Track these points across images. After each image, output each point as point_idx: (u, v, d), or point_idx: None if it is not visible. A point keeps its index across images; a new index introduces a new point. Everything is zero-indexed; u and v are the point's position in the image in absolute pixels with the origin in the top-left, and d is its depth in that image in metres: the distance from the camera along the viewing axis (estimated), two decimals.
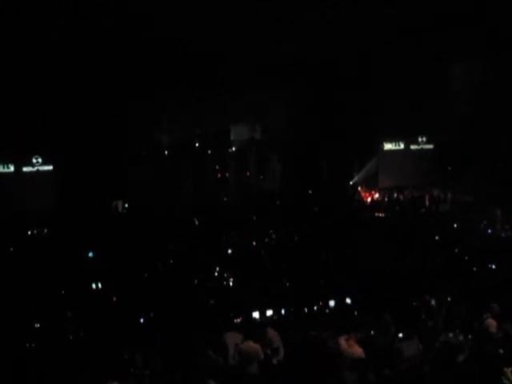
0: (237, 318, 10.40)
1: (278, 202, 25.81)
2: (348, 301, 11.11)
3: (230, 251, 16.73)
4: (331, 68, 26.26)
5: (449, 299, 11.02)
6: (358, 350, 8.35)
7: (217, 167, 29.09)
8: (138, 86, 24.98)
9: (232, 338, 9.18)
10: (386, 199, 27.16)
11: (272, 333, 9.26)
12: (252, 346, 8.81)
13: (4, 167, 25.26)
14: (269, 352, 8.96)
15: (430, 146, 29.45)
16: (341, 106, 26.58)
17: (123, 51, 23.75)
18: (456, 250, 15.60)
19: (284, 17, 21.99)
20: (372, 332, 9.56)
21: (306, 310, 10.97)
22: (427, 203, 25.39)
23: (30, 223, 22.65)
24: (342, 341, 8.47)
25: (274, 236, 18.74)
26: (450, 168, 27.10)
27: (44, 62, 23.14)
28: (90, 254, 16.56)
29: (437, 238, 17.43)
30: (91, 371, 8.19)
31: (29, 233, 22.03)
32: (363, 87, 26.38)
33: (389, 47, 25.24)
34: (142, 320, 10.98)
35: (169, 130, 28.49)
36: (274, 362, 9.01)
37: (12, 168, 25.45)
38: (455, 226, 19.87)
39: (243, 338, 9.02)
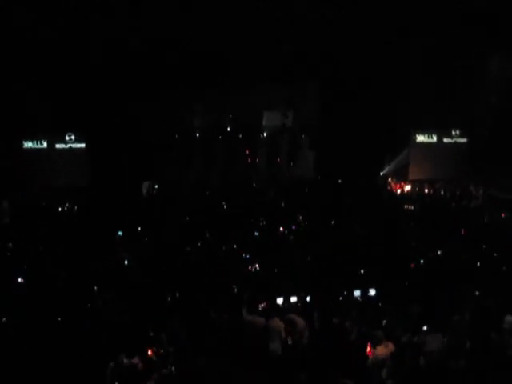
0: (261, 303, 10.41)
1: (307, 190, 25.70)
2: (372, 292, 11.03)
3: (256, 236, 16.74)
4: (365, 58, 26.01)
5: (477, 293, 10.90)
6: (391, 347, 8.39)
7: (247, 152, 29.08)
8: (173, 71, 25.13)
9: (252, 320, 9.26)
10: (417, 191, 26.86)
11: (300, 321, 9.31)
12: (277, 322, 8.92)
13: (37, 143, 25.57)
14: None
15: (464, 140, 29.01)
16: (374, 96, 26.30)
17: (160, 40, 24.03)
18: (484, 246, 15.38)
19: (312, 13, 22.06)
20: (395, 324, 9.51)
21: (330, 298, 10.93)
22: (458, 197, 25.04)
23: (61, 200, 22.91)
24: (380, 347, 8.45)
25: (301, 223, 18.70)
26: (483, 163, 26.68)
27: (82, 43, 23.51)
28: (120, 233, 16.71)
29: (466, 232, 17.23)
30: (117, 346, 8.29)
31: (59, 209, 22.28)
32: (398, 78, 26.11)
33: (424, 39, 24.96)
34: (168, 299, 11.07)
35: (201, 113, 28.53)
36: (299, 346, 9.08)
37: (45, 144, 25.79)
38: (485, 221, 19.61)
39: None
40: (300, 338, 9.20)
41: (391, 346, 8.40)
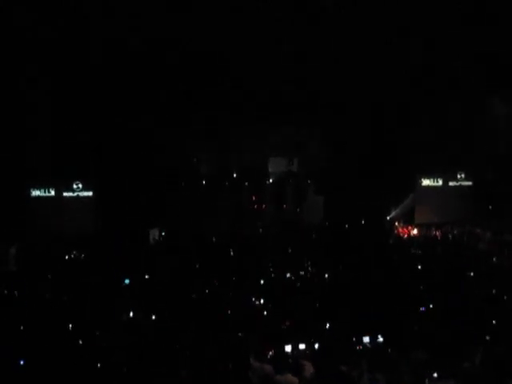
0: (268, 351, 10.32)
1: (314, 236, 25.68)
2: (380, 339, 10.94)
3: (264, 282, 16.67)
4: (369, 105, 26.34)
5: (487, 338, 10.78)
6: None
7: (253, 198, 29.19)
8: (178, 117, 25.44)
9: (262, 370, 9.16)
10: (423, 235, 26.82)
11: (307, 365, 9.22)
12: (290, 378, 8.79)
13: (45, 191, 25.77)
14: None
15: (469, 183, 29.07)
16: (379, 141, 26.53)
17: (166, 81, 24.29)
18: (494, 291, 15.27)
19: (321, 58, 22.39)
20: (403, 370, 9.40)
21: (339, 345, 10.83)
22: (466, 241, 24.97)
23: (69, 247, 22.95)
24: None
25: (309, 269, 18.65)
26: (489, 206, 26.70)
27: (85, 89, 23.82)
28: (126, 281, 16.67)
29: (475, 276, 17.14)
30: None
31: (66, 257, 22.30)
32: (403, 123, 26.38)
33: (427, 84, 25.27)
34: (175, 349, 10.99)
35: (207, 160, 28.80)
36: None
37: (53, 192, 25.96)
38: (494, 265, 19.52)
39: (274, 370, 9.00)
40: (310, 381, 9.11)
41: None
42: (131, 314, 13.11)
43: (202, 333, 11.72)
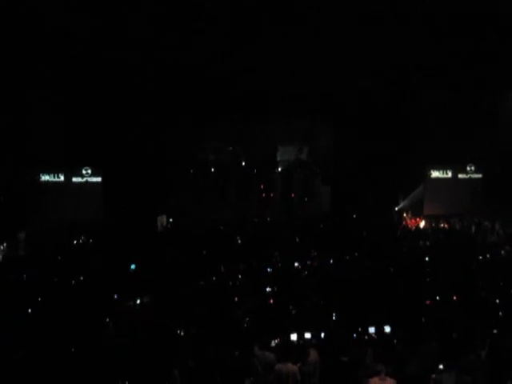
0: (274, 339, 10.33)
1: (321, 225, 25.65)
2: (387, 329, 10.92)
3: (271, 271, 16.67)
4: (381, 95, 26.22)
5: (494, 331, 10.74)
6: (390, 383, 8.22)
7: (262, 187, 29.18)
8: (188, 106, 25.44)
9: (264, 358, 9.17)
10: (432, 226, 26.75)
11: (313, 354, 9.22)
12: (290, 367, 8.77)
13: (54, 176, 25.83)
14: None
15: (479, 176, 28.93)
16: (390, 132, 26.43)
17: (176, 74, 24.32)
18: (501, 284, 15.20)
19: (331, 49, 22.32)
20: (410, 361, 9.39)
21: (345, 335, 10.83)
22: (474, 233, 24.90)
23: (77, 232, 23.04)
24: (375, 378, 8.30)
25: (316, 258, 18.62)
26: (498, 198, 26.55)
27: (100, 78, 23.87)
28: (132, 267, 16.72)
29: (483, 269, 17.07)
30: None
31: (74, 242, 22.39)
32: (413, 114, 26.25)
33: (440, 74, 25.11)
34: (179, 334, 11.01)
35: (216, 148, 28.79)
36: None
37: (62, 177, 26.03)
38: (502, 257, 19.44)
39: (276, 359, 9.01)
40: (312, 370, 9.12)
41: (390, 382, 8.24)
42: (138, 301, 13.13)
43: (208, 320, 11.73)
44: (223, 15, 21.75)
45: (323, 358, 9.36)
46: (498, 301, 13.26)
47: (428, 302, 13.36)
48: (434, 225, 26.95)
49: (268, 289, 14.46)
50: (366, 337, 10.85)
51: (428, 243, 22.22)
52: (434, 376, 8.85)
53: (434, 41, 22.72)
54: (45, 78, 23.48)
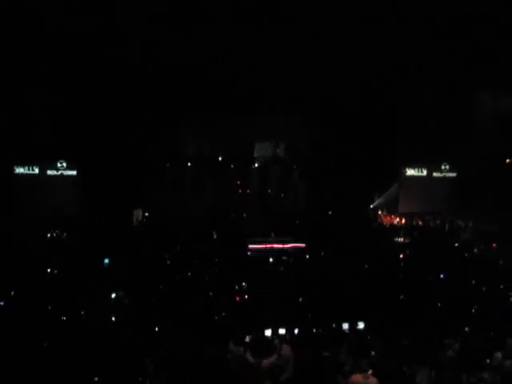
0: (248, 335, 10.34)
1: (297, 221, 25.74)
2: (361, 325, 10.98)
3: (245, 267, 16.69)
4: (356, 94, 26.34)
5: (466, 329, 10.86)
6: (373, 381, 8.23)
7: (238, 182, 29.18)
8: (165, 100, 25.31)
9: (236, 352, 9.18)
10: (407, 224, 26.99)
11: (286, 348, 9.25)
12: (265, 363, 8.80)
13: (29, 169, 25.56)
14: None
15: (453, 174, 29.24)
16: (365, 130, 26.57)
17: (155, 70, 24.23)
18: (473, 282, 15.38)
19: (306, 50, 22.42)
20: (382, 357, 9.45)
21: (319, 331, 10.88)
22: (448, 231, 25.18)
23: (51, 226, 22.82)
24: (357, 375, 8.32)
25: (292, 254, 18.70)
26: (472, 197, 26.87)
27: (76, 70, 23.63)
28: (106, 261, 16.60)
29: (456, 266, 17.26)
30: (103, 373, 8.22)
31: (48, 235, 22.18)
32: (389, 112, 26.42)
33: (414, 74, 25.31)
34: (154, 328, 10.97)
35: (193, 143, 28.70)
36: (282, 378, 9.00)
37: (37, 170, 25.76)
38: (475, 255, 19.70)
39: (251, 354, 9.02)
40: (286, 364, 9.14)
41: (373, 380, 8.26)
42: (113, 295, 13.05)
43: (183, 315, 11.71)
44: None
45: (299, 354, 9.39)
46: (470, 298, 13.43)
47: (401, 297, 13.49)
48: (407, 222, 27.16)
49: (243, 284, 14.48)
50: (339, 333, 10.89)
51: (402, 240, 22.42)
52: (407, 372, 8.92)
53: (413, 41, 22.89)
54: (21, 69, 23.16)
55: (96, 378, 8.33)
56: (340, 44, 22.96)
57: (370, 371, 8.27)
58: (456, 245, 21.65)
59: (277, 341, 9.66)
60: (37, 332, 10.48)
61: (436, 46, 23.14)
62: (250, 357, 8.87)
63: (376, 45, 22.94)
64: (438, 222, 26.59)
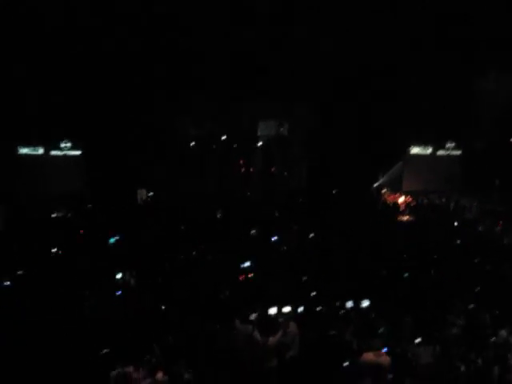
0: (253, 313, 10.38)
1: (301, 200, 25.70)
2: (365, 303, 11.01)
3: (249, 245, 16.70)
4: (360, 72, 26.18)
5: (471, 307, 10.89)
6: (386, 359, 8.27)
7: (241, 162, 29.13)
8: (168, 79, 25.22)
9: (244, 330, 9.24)
10: (411, 202, 26.93)
11: (292, 326, 9.33)
12: (271, 340, 8.89)
13: (33, 149, 25.56)
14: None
15: (458, 152, 29.14)
16: (370, 108, 26.44)
17: (159, 47, 24.14)
18: (476, 260, 15.39)
19: (312, 26, 22.28)
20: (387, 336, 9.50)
21: (323, 309, 10.92)
22: (452, 210, 25.14)
23: (55, 206, 22.85)
24: (369, 353, 8.36)
25: (295, 233, 18.68)
26: (477, 175, 26.79)
27: (79, 53, 23.61)
28: (112, 240, 16.65)
29: (459, 245, 17.27)
30: (109, 356, 8.29)
31: (53, 215, 22.22)
32: (393, 90, 26.27)
33: (417, 52, 25.13)
34: (160, 309, 11.04)
35: (196, 122, 28.58)
36: (287, 356, 9.09)
37: (41, 151, 25.77)
38: (479, 234, 19.70)
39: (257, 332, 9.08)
40: (291, 342, 9.22)
41: (385, 358, 8.30)
42: (119, 275, 13.08)
43: (188, 294, 11.77)
44: None
45: (305, 332, 9.46)
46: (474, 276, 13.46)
47: (406, 275, 13.52)
48: (415, 201, 27.10)
49: (247, 263, 14.51)
50: (343, 311, 10.93)
51: (406, 218, 22.42)
52: (410, 350, 8.97)
53: (418, 20, 22.77)
54: (25, 52, 23.09)
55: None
56: (345, 23, 22.84)
57: (384, 350, 8.33)
58: (457, 223, 21.55)
59: (281, 319, 9.73)
60: (42, 313, 10.56)
61: (445, 24, 23.00)
62: (257, 335, 8.94)
63: (382, 23, 22.80)
64: (443, 200, 26.52)
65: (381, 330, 9.56)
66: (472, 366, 8.64)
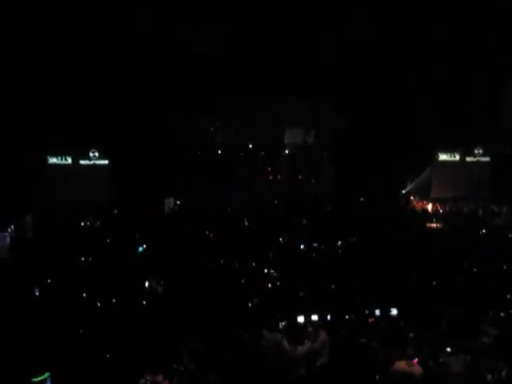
0: (281, 321, 10.35)
1: (328, 208, 25.62)
2: (394, 312, 10.90)
3: (278, 253, 16.67)
4: (388, 79, 26.07)
5: (502, 315, 10.72)
6: (418, 369, 8.17)
7: (269, 169, 29.14)
8: (197, 89, 25.37)
9: (273, 339, 9.21)
10: (441, 210, 26.66)
11: (322, 334, 9.28)
12: (299, 349, 8.85)
13: (62, 159, 25.91)
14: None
15: (487, 159, 28.81)
16: (397, 115, 26.28)
17: (184, 53, 24.31)
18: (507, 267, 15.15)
19: (340, 32, 22.27)
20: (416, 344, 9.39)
21: (351, 317, 10.85)
22: (481, 216, 24.83)
23: (84, 215, 23.09)
24: (401, 362, 8.26)
25: (323, 240, 18.62)
26: (506, 181, 26.45)
27: (107, 61, 23.90)
28: (140, 249, 16.76)
29: (489, 252, 17.03)
30: (138, 364, 8.30)
31: (82, 224, 22.45)
32: (421, 97, 26.09)
33: (446, 58, 24.95)
34: (187, 316, 11.04)
35: (224, 131, 28.72)
36: (318, 364, 9.04)
37: (69, 160, 26.11)
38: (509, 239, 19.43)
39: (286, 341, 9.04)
40: (322, 348, 9.19)
41: (417, 368, 8.19)
42: (147, 283, 13.14)
43: (216, 303, 11.77)
44: None
45: (334, 339, 9.41)
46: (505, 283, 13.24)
47: (435, 283, 13.37)
48: (441, 208, 26.85)
49: (275, 271, 14.49)
50: (372, 319, 10.85)
51: (435, 226, 22.22)
52: (441, 359, 8.85)
53: (443, 24, 22.64)
54: (51, 61, 23.40)
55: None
56: (369, 28, 22.77)
57: (416, 359, 8.23)
58: (486, 230, 21.22)
59: (310, 328, 9.69)
60: (71, 320, 10.64)
61: (472, 26, 22.83)
62: (286, 343, 8.91)
63: (406, 26, 22.70)
64: (471, 207, 26.23)
65: (410, 336, 9.47)
66: (501, 375, 8.49)
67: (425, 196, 28.32)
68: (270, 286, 13.60)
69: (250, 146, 28.89)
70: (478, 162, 28.97)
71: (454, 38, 23.85)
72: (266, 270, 14.64)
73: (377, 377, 8.62)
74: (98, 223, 22.68)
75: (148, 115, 25.61)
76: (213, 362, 8.86)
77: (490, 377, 8.46)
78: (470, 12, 22.34)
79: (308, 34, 23.61)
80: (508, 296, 12.25)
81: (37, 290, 12.73)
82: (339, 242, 18.16)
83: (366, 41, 23.87)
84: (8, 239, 19.86)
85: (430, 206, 27.24)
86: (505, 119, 26.74)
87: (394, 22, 22.96)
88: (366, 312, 11.01)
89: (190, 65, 25.08)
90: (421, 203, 27.88)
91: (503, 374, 8.42)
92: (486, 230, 21.15)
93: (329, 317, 10.67)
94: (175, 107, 26.47)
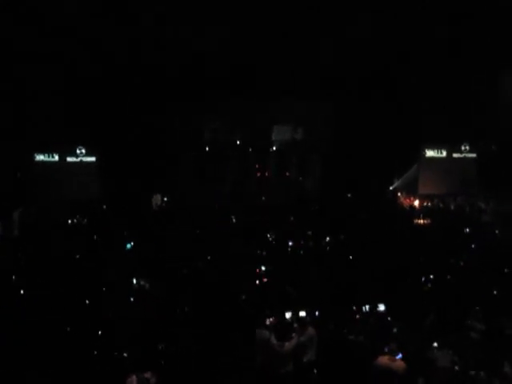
0: (269, 318, 10.37)
1: (315, 205, 25.63)
2: (382, 308, 10.95)
3: (265, 250, 16.69)
4: (374, 74, 26.12)
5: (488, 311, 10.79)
6: (399, 365, 8.23)
7: (257, 166, 29.12)
8: (184, 84, 25.30)
9: (261, 335, 9.23)
10: (428, 206, 26.78)
11: (312, 331, 9.32)
12: (286, 346, 8.89)
13: (48, 156, 25.77)
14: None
15: (473, 155, 28.94)
16: (384, 111, 26.34)
17: (172, 54, 24.24)
18: (496, 263, 15.24)
19: (324, 31, 22.29)
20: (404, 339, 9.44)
21: (343, 313, 10.88)
22: (468, 212, 24.96)
23: (71, 212, 23.00)
24: (384, 357, 8.33)
25: (311, 238, 18.64)
26: (493, 178, 26.58)
27: (95, 59, 23.80)
28: (128, 246, 16.72)
29: (476, 248, 17.14)
30: (124, 362, 8.30)
31: (69, 221, 22.36)
32: (407, 94, 26.16)
33: (433, 54, 25.02)
34: (175, 314, 11.04)
35: (211, 128, 28.65)
36: (305, 359, 9.08)
37: (56, 157, 25.97)
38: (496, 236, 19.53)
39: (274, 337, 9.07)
40: (309, 342, 9.23)
41: (400, 363, 8.26)
42: (135, 280, 13.11)
43: (204, 300, 11.76)
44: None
45: (322, 334, 9.46)
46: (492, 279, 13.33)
47: (423, 279, 13.43)
48: (429, 204, 26.96)
49: (263, 268, 14.49)
50: (358, 316, 10.89)
51: (422, 222, 22.31)
52: (428, 354, 8.90)
53: (433, 21, 22.70)
54: (39, 59, 23.26)
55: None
56: (369, 28, 22.84)
57: (400, 355, 8.29)
58: (473, 226, 21.33)
59: (295, 325, 9.72)
60: (58, 318, 10.61)
61: (460, 22, 22.93)
62: (274, 340, 8.94)
63: (406, 26, 22.77)
64: (458, 203, 26.36)
65: (394, 331, 9.52)
66: (489, 371, 8.55)
67: (412, 192, 28.41)
68: (257, 282, 13.61)
69: (238, 142, 28.85)
70: (464, 158, 29.08)
71: (454, 37, 23.90)
72: (253, 267, 14.64)
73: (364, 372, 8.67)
74: (86, 220, 22.61)
75: (134, 112, 25.50)
76: (203, 360, 8.89)
77: (476, 372, 8.52)
78: (470, 12, 22.41)
79: (308, 34, 23.56)
80: (495, 291, 12.33)
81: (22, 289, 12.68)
82: (327, 239, 18.18)
83: (366, 41, 23.88)
84: None
85: (417, 202, 27.35)
86: (492, 115, 26.84)
87: (394, 22, 22.97)
88: (354, 308, 11.05)
89: (189, 65, 25.01)
90: (408, 199, 27.98)
91: (490, 369, 8.48)
92: (472, 226, 21.27)
93: (317, 313, 10.71)
94: (163, 106, 26.39)
